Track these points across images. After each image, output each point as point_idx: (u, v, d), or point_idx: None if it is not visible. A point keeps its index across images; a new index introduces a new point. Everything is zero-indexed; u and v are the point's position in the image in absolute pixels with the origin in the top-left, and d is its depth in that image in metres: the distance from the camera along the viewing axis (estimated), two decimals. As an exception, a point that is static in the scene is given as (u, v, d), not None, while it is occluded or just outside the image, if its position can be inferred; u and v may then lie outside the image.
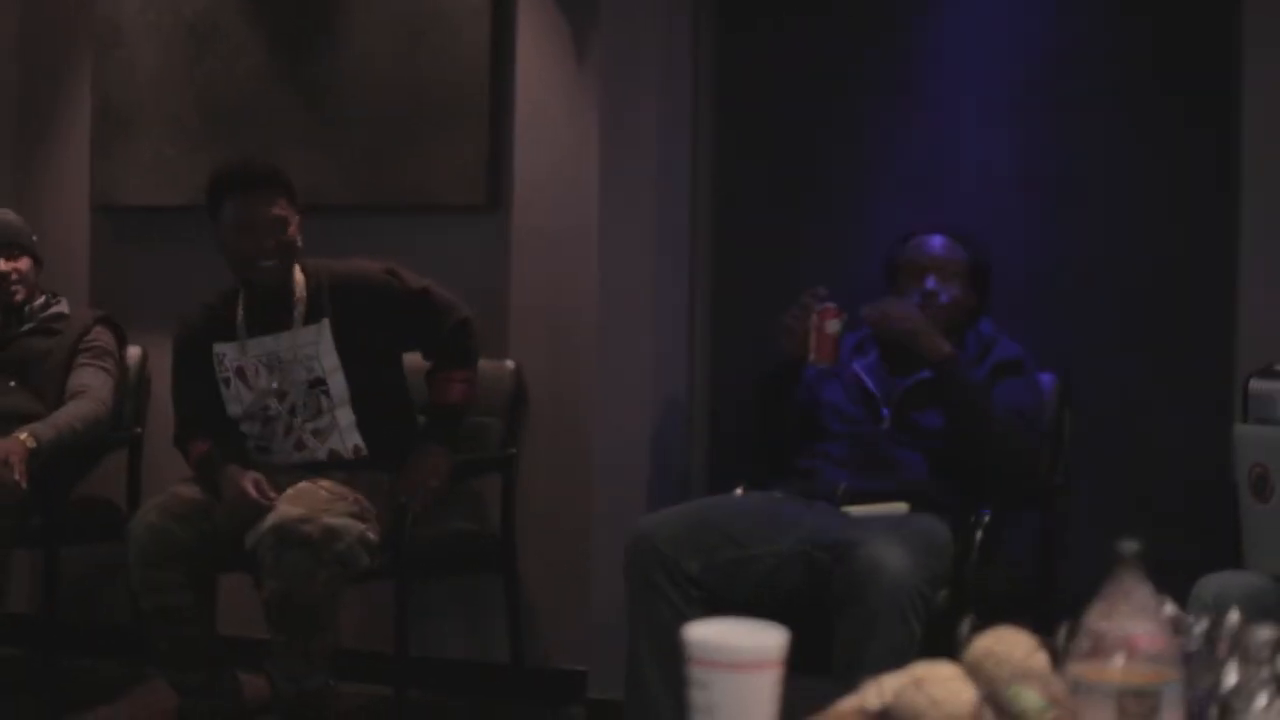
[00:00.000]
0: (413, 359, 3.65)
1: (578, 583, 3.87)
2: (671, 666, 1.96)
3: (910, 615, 2.82)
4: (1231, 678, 1.53)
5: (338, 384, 3.46)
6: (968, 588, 3.00)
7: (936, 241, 3.36)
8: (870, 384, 3.32)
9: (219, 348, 3.52)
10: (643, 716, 3.05)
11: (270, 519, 3.17)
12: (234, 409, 3.50)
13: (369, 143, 4.12)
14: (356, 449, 3.46)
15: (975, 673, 1.51)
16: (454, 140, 4.02)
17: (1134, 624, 1.34)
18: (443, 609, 4.06)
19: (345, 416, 3.47)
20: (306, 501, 3.21)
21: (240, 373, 3.49)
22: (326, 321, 3.48)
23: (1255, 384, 2.93)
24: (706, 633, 1.31)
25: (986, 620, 1.62)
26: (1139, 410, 3.58)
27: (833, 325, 3.16)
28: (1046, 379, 3.37)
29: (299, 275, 3.51)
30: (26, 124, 4.58)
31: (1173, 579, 1.65)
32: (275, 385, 3.46)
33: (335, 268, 3.56)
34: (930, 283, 3.30)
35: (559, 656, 3.96)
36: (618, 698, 3.19)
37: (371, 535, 3.25)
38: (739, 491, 3.36)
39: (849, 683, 1.62)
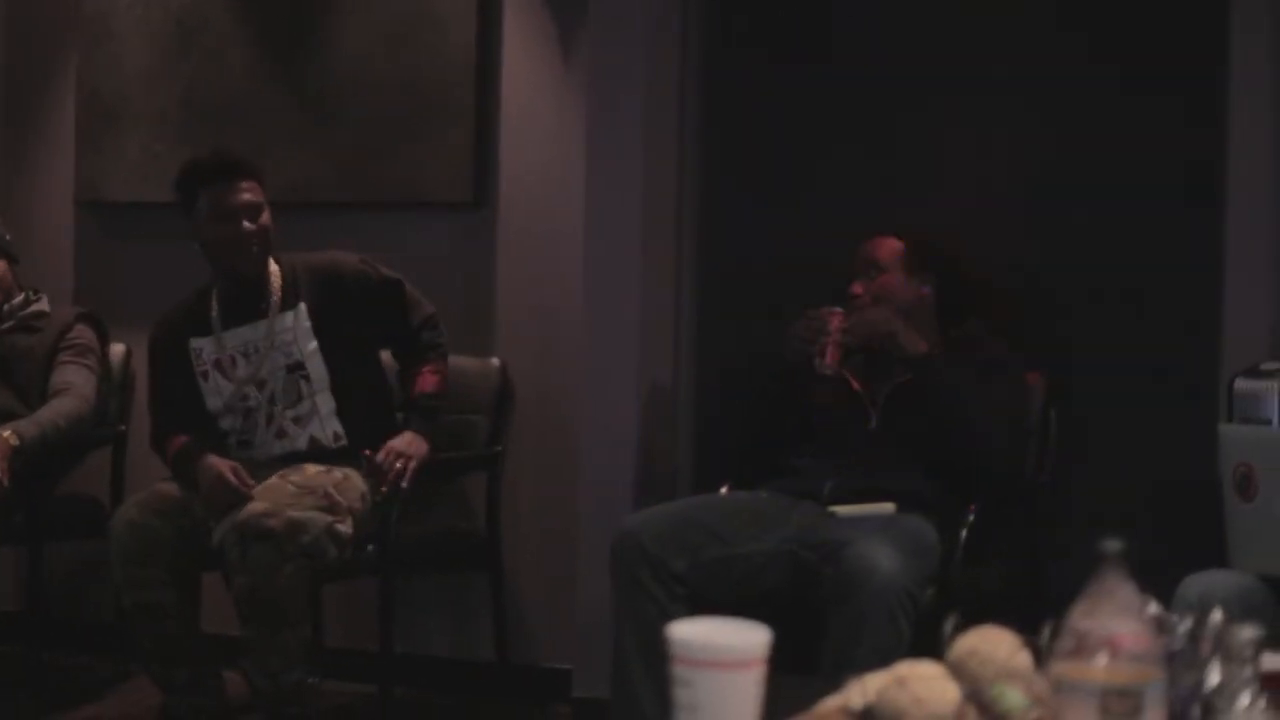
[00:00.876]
0: (387, 360, 3.67)
1: (563, 581, 3.87)
2: (657, 665, 1.96)
3: (899, 615, 2.83)
4: (1214, 677, 1.53)
5: (317, 368, 3.47)
6: (954, 587, 3.00)
7: (872, 243, 3.38)
8: (857, 385, 3.32)
9: (195, 343, 3.52)
10: (628, 714, 3.05)
11: (234, 515, 3.17)
12: (214, 403, 3.50)
13: (357, 139, 4.11)
14: (336, 436, 3.46)
15: (959, 672, 1.51)
16: (441, 137, 4.02)
17: (1117, 623, 1.34)
18: (428, 607, 4.05)
19: (325, 403, 3.47)
20: (272, 497, 3.22)
21: (218, 365, 3.49)
22: (304, 306, 3.48)
23: (1240, 383, 2.93)
24: (690, 631, 1.31)
25: (972, 619, 1.62)
26: (1127, 409, 3.58)
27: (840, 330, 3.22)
28: (1033, 378, 3.37)
29: (273, 266, 3.51)
30: (12, 118, 4.56)
31: (1158, 578, 1.65)
32: (256, 369, 3.45)
33: (309, 258, 3.58)
34: (854, 289, 3.32)
35: (544, 655, 3.95)
36: (603, 696, 3.19)
37: (341, 528, 3.25)
38: (724, 490, 3.37)
39: (838, 682, 1.62)
